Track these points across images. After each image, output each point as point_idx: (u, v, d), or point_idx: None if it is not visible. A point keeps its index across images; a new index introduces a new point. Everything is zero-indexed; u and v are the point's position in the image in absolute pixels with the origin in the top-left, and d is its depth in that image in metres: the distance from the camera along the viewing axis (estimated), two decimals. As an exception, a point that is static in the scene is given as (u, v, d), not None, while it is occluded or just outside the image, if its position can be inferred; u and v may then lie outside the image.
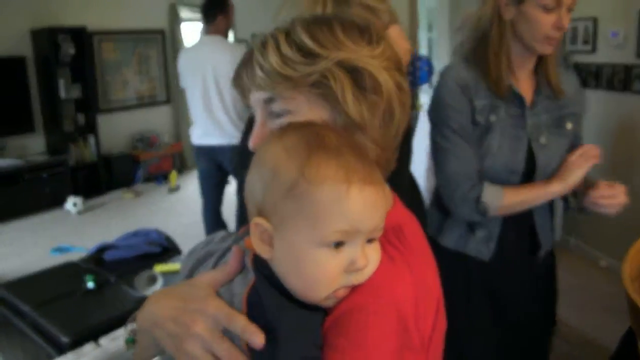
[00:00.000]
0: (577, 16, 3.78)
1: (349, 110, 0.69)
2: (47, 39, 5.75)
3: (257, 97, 0.74)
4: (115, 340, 2.17)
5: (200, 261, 0.78)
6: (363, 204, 0.59)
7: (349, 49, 0.69)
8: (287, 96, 0.70)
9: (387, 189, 0.76)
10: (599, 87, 3.71)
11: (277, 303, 0.62)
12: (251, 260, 0.66)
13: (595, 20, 3.66)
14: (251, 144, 0.75)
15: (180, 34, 7.20)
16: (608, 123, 3.73)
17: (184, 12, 7.19)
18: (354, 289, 0.63)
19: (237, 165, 1.31)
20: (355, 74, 0.69)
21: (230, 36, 7.62)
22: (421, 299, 0.67)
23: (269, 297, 0.62)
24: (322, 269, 0.60)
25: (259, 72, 0.71)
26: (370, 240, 0.63)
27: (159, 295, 0.71)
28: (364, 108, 0.70)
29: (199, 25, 7.45)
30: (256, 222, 0.63)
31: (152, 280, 2.76)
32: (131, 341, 0.75)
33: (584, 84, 3.83)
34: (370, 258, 0.62)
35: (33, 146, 5.98)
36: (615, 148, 3.66)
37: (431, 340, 0.70)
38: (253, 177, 0.65)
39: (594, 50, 3.72)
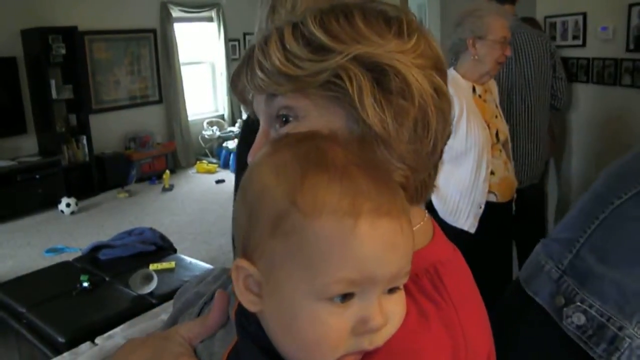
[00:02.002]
0: (566, 11, 3.81)
1: (367, 118, 0.54)
2: (37, 39, 5.72)
3: (258, 101, 0.61)
4: (111, 338, 2.17)
5: (187, 304, 0.66)
6: (377, 242, 0.45)
7: (371, 41, 0.55)
8: (291, 100, 0.57)
9: (423, 218, 0.63)
10: (589, 81, 3.74)
11: None
12: (234, 313, 0.53)
13: (584, 15, 3.69)
14: (249, 159, 0.60)
15: (172, 33, 7.18)
16: (598, 116, 3.76)
17: (176, 12, 7.18)
18: (367, 355, 0.48)
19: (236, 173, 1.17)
20: (377, 72, 0.55)
21: (221, 36, 7.63)
22: None
23: None
24: (322, 330, 0.46)
25: (258, 72, 0.57)
26: (392, 290, 0.48)
27: (134, 345, 0.60)
28: (388, 116, 0.54)
29: (191, 25, 7.47)
30: (238, 264, 0.49)
31: (147, 278, 2.76)
32: None
33: (575, 78, 3.86)
34: (390, 314, 0.48)
35: (25, 147, 5.95)
36: (605, 141, 3.69)
37: None
38: (239, 205, 0.52)
39: (584, 44, 3.74)
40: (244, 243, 0.50)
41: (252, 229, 0.49)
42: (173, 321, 0.66)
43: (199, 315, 0.61)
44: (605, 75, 3.60)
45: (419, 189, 0.59)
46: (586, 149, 3.91)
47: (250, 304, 0.49)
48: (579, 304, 0.95)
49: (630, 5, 3.31)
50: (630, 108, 3.47)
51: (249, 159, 0.60)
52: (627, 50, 3.39)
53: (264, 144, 0.59)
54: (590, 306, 0.94)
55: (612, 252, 0.95)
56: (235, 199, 0.55)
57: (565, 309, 0.96)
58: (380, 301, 0.47)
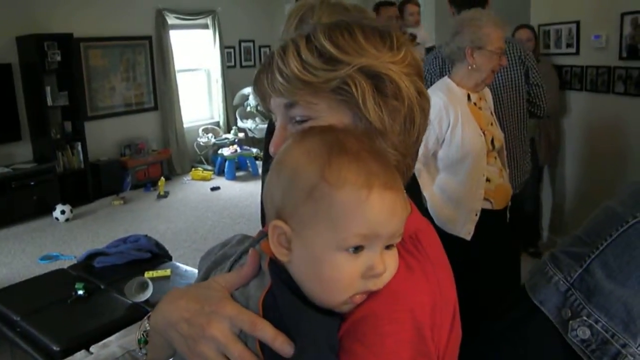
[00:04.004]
0: (560, 20, 3.85)
1: (369, 117, 0.69)
2: (33, 46, 5.71)
3: (277, 102, 0.74)
4: (106, 347, 2.16)
5: (216, 263, 0.78)
6: (383, 208, 0.59)
7: (370, 54, 0.69)
8: (307, 102, 0.70)
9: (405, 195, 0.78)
10: (582, 89, 3.77)
11: (294, 307, 0.61)
12: (267, 264, 0.66)
13: (578, 24, 3.72)
14: (271, 148, 0.74)
15: (167, 40, 7.18)
16: (592, 124, 3.78)
17: (171, 19, 7.19)
18: (370, 295, 0.62)
19: (263, 170, 1.33)
20: (376, 80, 0.69)
21: (217, 43, 7.64)
22: (437, 307, 0.67)
23: (285, 300, 0.62)
24: (339, 273, 0.60)
25: (279, 78, 0.70)
26: (388, 247, 0.63)
27: (174, 296, 0.70)
28: (385, 114, 0.69)
29: (186, 32, 7.48)
30: (274, 224, 0.63)
31: (143, 286, 2.75)
32: (144, 342, 0.75)
33: (568, 86, 3.89)
34: (388, 264, 0.62)
35: (20, 154, 5.93)
36: (599, 148, 3.71)
37: (447, 349, 0.69)
38: (272, 179, 0.65)
39: (577, 52, 3.77)
40: (279, 209, 0.63)
41: (286, 197, 0.62)
42: (204, 278, 0.76)
43: (229, 271, 0.73)
44: (598, 83, 3.62)
45: (404, 170, 0.75)
46: (580, 156, 3.93)
47: (282, 255, 0.63)
48: (585, 318, 0.96)
49: (623, 14, 3.35)
50: (623, 116, 3.50)
51: (271, 149, 0.74)
52: (620, 58, 3.42)
53: (284, 136, 0.73)
54: (596, 321, 0.95)
55: (622, 270, 0.95)
56: (264, 182, 0.68)
57: (571, 322, 0.97)
58: (381, 254, 0.61)
